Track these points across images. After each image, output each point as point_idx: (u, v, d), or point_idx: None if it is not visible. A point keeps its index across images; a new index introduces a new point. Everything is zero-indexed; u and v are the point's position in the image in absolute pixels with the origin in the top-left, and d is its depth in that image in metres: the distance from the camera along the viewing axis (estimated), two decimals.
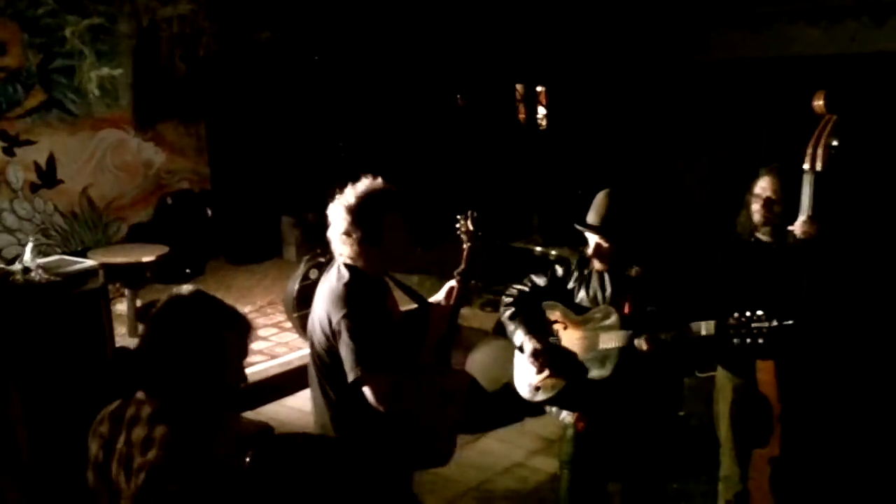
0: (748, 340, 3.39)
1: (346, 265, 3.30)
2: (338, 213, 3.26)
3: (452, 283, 3.55)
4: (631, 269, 3.70)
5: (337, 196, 3.30)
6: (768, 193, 3.86)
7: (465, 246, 3.59)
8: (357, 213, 3.22)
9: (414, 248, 3.44)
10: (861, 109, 6.61)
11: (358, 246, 3.23)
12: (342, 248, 3.27)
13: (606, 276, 3.74)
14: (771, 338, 3.39)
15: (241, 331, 2.45)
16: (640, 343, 3.54)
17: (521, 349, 3.86)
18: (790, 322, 3.38)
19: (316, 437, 3.36)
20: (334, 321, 3.20)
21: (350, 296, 3.22)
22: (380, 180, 3.33)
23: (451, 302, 3.53)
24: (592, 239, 3.72)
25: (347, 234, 3.23)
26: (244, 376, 2.48)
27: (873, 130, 6.84)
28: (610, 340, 3.64)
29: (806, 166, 3.74)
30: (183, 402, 2.37)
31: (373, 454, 3.30)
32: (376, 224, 3.23)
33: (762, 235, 3.92)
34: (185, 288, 2.49)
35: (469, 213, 3.62)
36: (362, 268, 3.28)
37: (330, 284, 3.31)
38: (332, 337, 3.22)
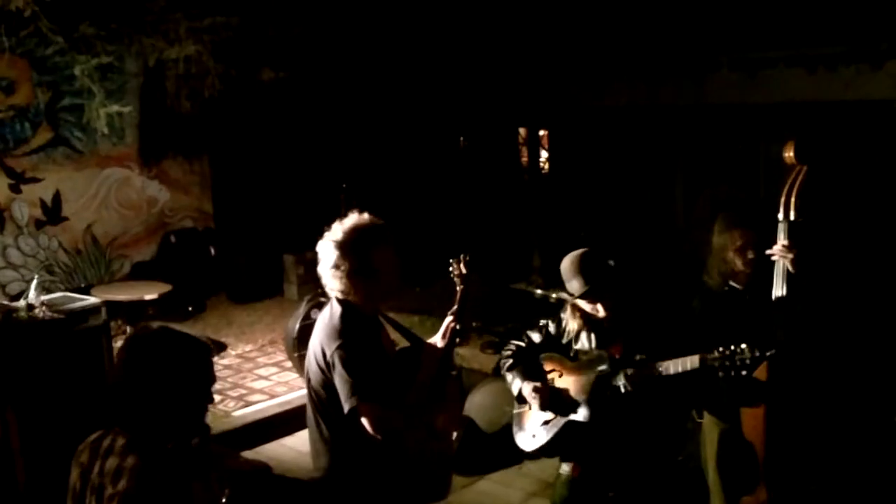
0: (732, 373, 3.42)
1: (339, 300, 3.35)
2: (326, 248, 3.33)
3: (448, 320, 3.60)
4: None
5: (325, 232, 3.37)
6: (749, 246, 3.90)
7: (458, 288, 3.65)
8: (345, 246, 3.29)
9: (406, 283, 3.49)
10: (848, 157, 6.73)
11: (347, 279, 3.28)
12: (332, 282, 3.33)
13: (592, 329, 3.79)
14: (753, 369, 3.42)
15: (205, 359, 2.55)
16: (619, 380, 3.58)
17: (519, 398, 3.90)
18: (773, 353, 3.42)
19: (303, 481, 3.39)
20: (328, 353, 3.25)
21: (343, 329, 3.27)
22: (367, 215, 3.40)
23: (446, 341, 3.58)
24: (585, 302, 3.76)
25: (336, 266, 3.29)
26: (211, 398, 2.57)
27: (865, 177, 6.92)
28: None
29: (780, 216, 3.82)
30: (153, 434, 2.43)
31: (368, 492, 3.32)
32: (366, 257, 3.28)
33: (735, 284, 3.97)
34: (153, 324, 2.62)
35: (461, 256, 3.68)
36: (355, 302, 3.33)
37: (324, 319, 3.37)
38: (327, 369, 3.26)
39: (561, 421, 3.74)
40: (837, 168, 6.49)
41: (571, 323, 3.84)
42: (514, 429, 3.99)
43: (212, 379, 2.58)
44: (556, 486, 3.98)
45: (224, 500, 2.55)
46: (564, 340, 3.88)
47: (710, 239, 4.10)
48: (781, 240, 3.79)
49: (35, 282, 5.62)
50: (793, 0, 7.29)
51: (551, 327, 3.94)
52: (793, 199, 3.82)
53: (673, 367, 3.53)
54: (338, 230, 3.34)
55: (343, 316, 3.30)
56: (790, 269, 3.76)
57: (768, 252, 3.80)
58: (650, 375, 3.54)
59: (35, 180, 8.43)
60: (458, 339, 3.57)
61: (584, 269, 3.70)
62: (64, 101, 8.61)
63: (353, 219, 3.38)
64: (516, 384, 3.86)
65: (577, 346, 3.83)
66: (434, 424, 3.48)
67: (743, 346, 3.40)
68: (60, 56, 8.50)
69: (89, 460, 2.46)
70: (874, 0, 6.90)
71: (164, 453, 2.42)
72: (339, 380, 3.21)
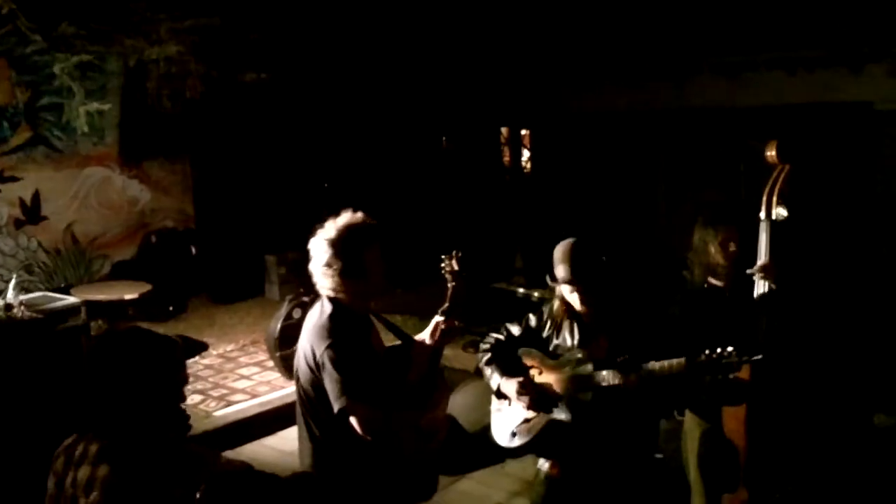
0: (719, 377, 3.43)
1: (330, 298, 3.34)
2: (319, 246, 3.32)
3: (438, 318, 3.56)
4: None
5: (318, 230, 3.36)
6: (730, 240, 3.92)
7: (449, 285, 3.62)
8: (338, 245, 3.28)
9: (390, 282, 3.47)
10: (828, 157, 6.79)
11: (339, 278, 3.28)
12: (323, 280, 3.32)
13: (575, 323, 3.78)
14: (738, 371, 3.44)
15: (171, 355, 2.52)
16: (631, 378, 3.53)
17: (498, 394, 3.89)
18: (759, 357, 3.43)
19: (283, 479, 3.36)
20: (318, 353, 3.24)
21: (333, 328, 3.26)
22: (360, 214, 3.39)
23: (436, 338, 3.56)
24: (567, 290, 3.77)
25: (328, 265, 3.28)
26: (183, 395, 2.54)
27: (843, 178, 6.98)
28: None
29: (762, 215, 3.85)
30: (127, 437, 2.39)
31: (355, 491, 3.31)
32: (357, 257, 3.28)
33: (715, 281, 3.99)
34: (119, 325, 2.55)
35: (454, 252, 3.66)
36: (345, 301, 3.32)
37: (313, 318, 3.36)
38: (317, 370, 3.25)
39: (542, 419, 3.73)
40: (818, 168, 6.54)
41: (556, 308, 3.81)
42: (492, 425, 3.97)
43: (182, 374, 2.54)
44: (535, 484, 3.98)
45: (199, 496, 2.53)
46: (545, 334, 3.87)
47: (692, 236, 4.12)
48: (761, 258, 3.82)
49: (14, 281, 5.59)
50: (775, 4, 7.34)
51: (532, 320, 3.92)
52: (774, 199, 3.85)
53: (659, 368, 3.52)
54: (331, 228, 3.33)
55: (333, 315, 3.29)
56: (772, 285, 3.78)
57: (749, 271, 3.83)
58: (647, 377, 3.52)
59: (14, 179, 8.36)
60: (447, 338, 3.56)
61: (573, 256, 3.70)
62: (43, 100, 8.55)
63: (346, 217, 3.37)
64: (495, 379, 3.85)
65: (558, 341, 3.81)
66: (423, 424, 3.47)
67: (730, 349, 3.41)
68: (40, 55, 8.44)
69: (63, 468, 2.43)
70: (855, 5, 6.96)
71: (138, 459, 2.37)
72: (329, 379, 3.20)
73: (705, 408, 4.00)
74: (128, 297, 7.38)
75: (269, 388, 6.89)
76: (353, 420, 3.17)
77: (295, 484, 3.38)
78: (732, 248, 3.92)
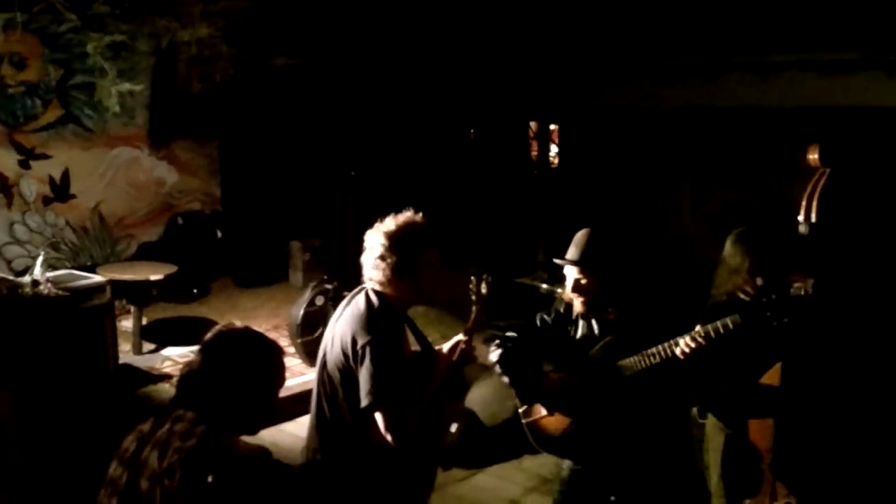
0: (781, 318, 3.31)
1: (376, 292, 3.35)
2: (376, 238, 3.34)
3: (461, 337, 3.55)
4: (609, 313, 3.70)
5: (377, 223, 3.39)
6: (760, 273, 3.84)
7: (474, 308, 3.59)
8: (395, 240, 3.30)
9: (442, 286, 3.50)
10: (865, 162, 6.70)
11: (390, 272, 3.29)
12: (373, 272, 3.34)
13: (593, 320, 3.74)
14: (802, 310, 3.32)
15: (281, 362, 2.74)
16: (687, 342, 3.39)
17: (520, 397, 3.86)
18: (814, 295, 3.31)
19: (296, 468, 3.39)
20: (359, 343, 3.24)
21: (378, 322, 3.27)
22: (420, 215, 3.41)
23: (454, 357, 3.54)
24: (571, 274, 3.72)
25: (382, 258, 3.30)
26: (278, 398, 2.75)
27: (879, 184, 6.89)
28: (639, 362, 3.58)
29: (800, 218, 3.82)
30: (225, 421, 2.59)
31: (356, 483, 3.33)
32: (412, 255, 3.30)
33: (742, 295, 3.92)
34: (236, 323, 2.77)
35: (484, 276, 3.62)
36: (390, 298, 3.34)
37: (358, 307, 3.35)
38: (353, 358, 3.25)
39: (581, 424, 3.69)
40: (857, 173, 6.46)
41: (576, 304, 3.77)
42: (530, 433, 3.87)
43: (282, 376, 2.73)
44: (556, 481, 3.96)
45: (210, 481, 2.56)
46: (565, 328, 3.82)
47: (721, 247, 4.04)
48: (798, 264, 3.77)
49: (41, 258, 5.64)
50: (809, 6, 7.26)
51: (548, 316, 3.90)
52: (814, 203, 3.81)
53: (713, 329, 3.37)
54: (391, 223, 3.36)
55: (379, 309, 3.31)
56: (808, 290, 3.72)
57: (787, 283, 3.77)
58: (705, 337, 3.36)
59: (44, 157, 8.43)
60: (464, 361, 3.55)
61: (588, 241, 3.68)
62: (75, 78, 8.60)
63: (407, 215, 3.40)
64: (514, 385, 3.82)
65: (578, 336, 3.77)
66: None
67: (773, 296, 3.30)
68: (73, 33, 8.49)
69: (153, 426, 2.57)
70: (891, 9, 6.88)
71: (227, 433, 2.59)
72: (365, 373, 3.20)
73: (730, 415, 3.96)
74: (153, 277, 7.41)
75: (290, 374, 6.78)
76: (378, 418, 3.18)
77: (306, 473, 3.42)
78: (760, 282, 3.84)
